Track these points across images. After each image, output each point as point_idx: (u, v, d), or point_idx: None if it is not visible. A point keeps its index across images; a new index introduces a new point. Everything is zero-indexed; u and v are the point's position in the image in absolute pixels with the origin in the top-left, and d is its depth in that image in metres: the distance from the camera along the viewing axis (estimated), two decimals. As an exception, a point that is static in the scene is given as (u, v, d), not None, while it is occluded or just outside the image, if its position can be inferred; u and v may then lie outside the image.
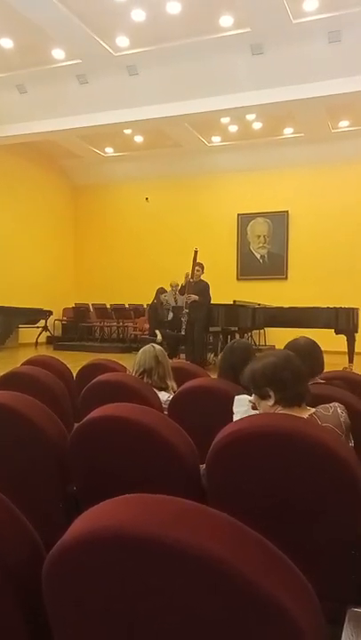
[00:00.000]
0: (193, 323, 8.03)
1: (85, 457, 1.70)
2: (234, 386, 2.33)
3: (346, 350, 8.09)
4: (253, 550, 0.73)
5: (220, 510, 0.77)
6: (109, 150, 12.84)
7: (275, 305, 9.13)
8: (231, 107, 9.09)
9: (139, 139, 11.95)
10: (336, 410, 1.74)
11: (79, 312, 13.14)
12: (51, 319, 12.38)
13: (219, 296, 8.46)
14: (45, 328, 12.11)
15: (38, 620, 0.83)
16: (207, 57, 8.40)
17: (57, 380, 2.90)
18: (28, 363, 3.53)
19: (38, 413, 1.82)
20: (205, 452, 1.55)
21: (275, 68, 8.30)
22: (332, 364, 3.92)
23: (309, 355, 2.41)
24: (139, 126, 10.81)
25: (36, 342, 12.05)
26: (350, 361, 8.05)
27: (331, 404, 1.77)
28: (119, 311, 12.53)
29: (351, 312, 8.16)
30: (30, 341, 12.00)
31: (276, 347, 9.98)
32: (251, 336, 10.80)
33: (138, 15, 7.67)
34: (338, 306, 8.20)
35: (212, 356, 8.97)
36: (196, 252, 8.18)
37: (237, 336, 8.36)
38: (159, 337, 8.69)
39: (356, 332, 8.24)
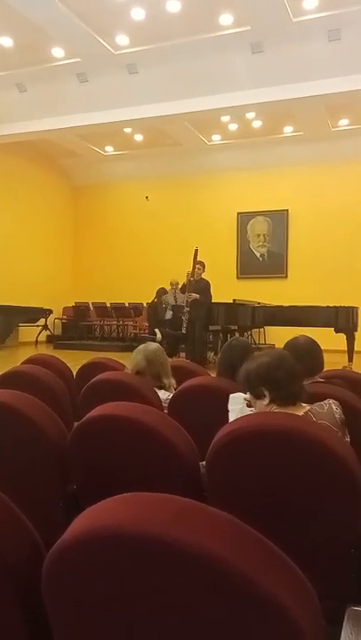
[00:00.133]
0: (194, 321, 8.03)
1: (85, 456, 1.71)
2: (233, 384, 2.33)
3: (346, 349, 8.09)
4: (253, 549, 0.73)
5: (220, 509, 0.78)
6: (109, 149, 12.83)
7: (274, 304, 9.13)
8: (231, 105, 9.09)
9: (138, 137, 11.95)
10: (331, 406, 1.75)
11: (79, 311, 13.14)
12: (51, 318, 12.38)
13: (218, 295, 8.47)
14: (45, 327, 12.11)
15: (38, 620, 0.83)
16: (207, 55, 8.39)
17: (57, 379, 2.90)
18: (28, 361, 3.53)
19: (38, 412, 1.82)
20: (205, 451, 1.56)
21: (275, 66, 8.29)
22: (332, 362, 3.92)
23: (309, 353, 2.41)
24: (138, 125, 10.80)
25: (36, 341, 12.05)
26: (350, 360, 8.05)
27: (325, 401, 1.78)
28: (119, 310, 12.53)
29: (351, 311, 8.17)
30: (30, 340, 12.01)
31: (276, 345, 9.98)
32: (250, 335, 10.80)
33: (137, 14, 7.66)
34: (337, 304, 8.20)
35: (212, 354, 8.96)
36: (196, 251, 8.18)
37: (237, 335, 8.36)
38: (159, 336, 8.69)
39: (356, 330, 8.24)
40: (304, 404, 1.77)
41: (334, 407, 1.76)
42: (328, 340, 5.12)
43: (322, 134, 11.04)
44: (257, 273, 12.68)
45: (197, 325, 8.04)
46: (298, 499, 1.42)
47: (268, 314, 8.68)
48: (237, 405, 2.01)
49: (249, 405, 1.93)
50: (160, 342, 7.18)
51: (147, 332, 9.82)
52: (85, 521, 0.77)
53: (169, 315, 9.23)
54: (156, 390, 2.64)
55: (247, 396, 1.95)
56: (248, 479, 1.46)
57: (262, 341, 11.83)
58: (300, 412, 1.71)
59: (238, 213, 12.76)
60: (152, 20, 7.78)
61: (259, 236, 12.75)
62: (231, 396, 2.08)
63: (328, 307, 8.20)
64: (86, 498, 1.56)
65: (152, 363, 2.71)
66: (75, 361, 4.57)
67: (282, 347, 2.54)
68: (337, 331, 8.11)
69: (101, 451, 1.67)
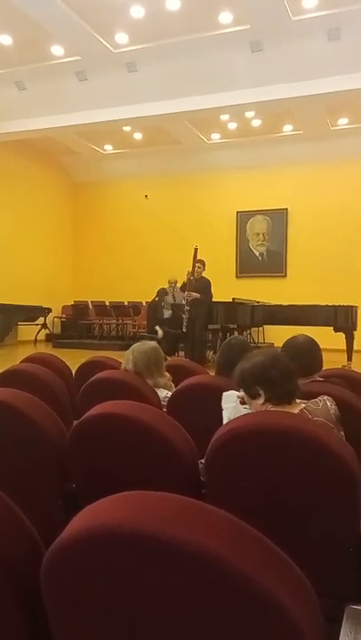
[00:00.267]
0: (194, 320, 8.02)
1: (84, 454, 1.71)
2: (232, 383, 2.33)
3: (345, 348, 8.10)
4: (252, 547, 0.73)
5: (219, 507, 0.78)
6: (108, 147, 12.82)
7: (274, 302, 9.13)
8: (230, 104, 9.08)
9: (138, 136, 11.93)
10: (325, 403, 1.77)
11: (78, 309, 13.14)
12: (50, 316, 12.38)
13: (218, 293, 8.46)
14: (44, 325, 12.11)
15: (37, 619, 0.83)
16: (206, 54, 8.38)
17: (56, 378, 2.90)
18: (27, 360, 3.53)
19: (37, 411, 1.82)
20: (204, 450, 1.56)
21: (274, 65, 8.28)
22: (331, 361, 3.93)
23: (308, 352, 2.41)
24: (138, 123, 10.79)
25: (35, 340, 12.05)
26: (349, 359, 8.05)
27: (319, 398, 1.79)
28: (118, 309, 12.52)
29: (350, 310, 8.17)
30: (29, 339, 12.00)
31: (275, 344, 9.99)
32: (250, 334, 10.80)
33: (137, 12, 7.65)
34: (337, 304, 8.21)
35: (211, 353, 8.96)
36: (196, 250, 8.17)
37: (236, 334, 8.36)
38: (160, 332, 8.67)
39: (355, 329, 8.24)
40: (299, 401, 1.78)
41: (329, 403, 1.77)
42: (327, 339, 5.13)
43: (321, 133, 11.04)
44: (256, 272, 12.68)
45: (197, 324, 8.03)
46: (296, 497, 1.42)
47: (268, 313, 8.68)
48: (231, 403, 2.01)
49: (242, 403, 1.94)
50: (159, 341, 7.17)
51: (145, 330, 9.81)
52: (84, 519, 0.77)
53: (168, 314, 9.23)
54: (155, 389, 2.64)
55: (240, 393, 1.96)
56: (247, 478, 1.47)
57: (261, 340, 11.83)
58: (296, 410, 1.72)
59: (238, 212, 12.76)
60: (151, 19, 7.77)
61: (258, 234, 12.75)
62: (224, 394, 2.08)
63: (327, 306, 8.20)
64: (85, 496, 1.56)
65: (137, 364, 2.69)
66: (74, 360, 4.56)
67: (281, 346, 2.55)
68: (336, 330, 8.11)
69: (100, 449, 1.68)
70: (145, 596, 0.73)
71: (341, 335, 8.13)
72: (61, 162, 13.71)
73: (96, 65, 8.95)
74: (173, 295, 9.32)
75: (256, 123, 11.00)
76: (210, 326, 8.54)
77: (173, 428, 1.65)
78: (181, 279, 8.70)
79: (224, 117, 10.75)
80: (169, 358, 3.28)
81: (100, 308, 12.78)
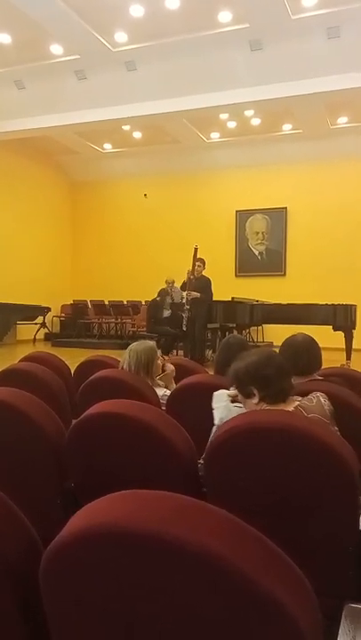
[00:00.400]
0: (194, 319, 8.03)
1: (83, 453, 1.70)
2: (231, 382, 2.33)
3: (344, 347, 8.10)
4: (252, 547, 0.73)
5: (219, 506, 0.77)
6: (108, 146, 12.81)
7: (273, 301, 9.13)
8: (230, 103, 9.07)
9: (137, 135, 11.93)
10: (319, 399, 1.77)
11: (77, 309, 13.13)
12: (49, 316, 12.38)
13: (217, 292, 8.46)
14: (43, 324, 12.11)
15: (36, 618, 0.83)
16: (206, 53, 8.37)
17: (55, 377, 2.90)
18: (26, 359, 3.53)
19: (36, 410, 1.82)
20: (203, 448, 1.56)
21: (273, 63, 8.28)
22: (330, 360, 3.93)
23: (307, 351, 2.41)
24: (137, 122, 10.78)
25: (34, 339, 12.05)
26: (348, 357, 8.06)
27: (312, 395, 1.80)
28: (117, 308, 12.52)
29: (349, 309, 8.17)
30: (28, 338, 12.00)
31: (275, 343, 9.99)
32: (249, 332, 10.81)
33: (136, 10, 7.64)
34: (336, 302, 8.21)
35: (210, 352, 8.97)
36: (196, 250, 8.17)
37: (235, 332, 8.36)
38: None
39: (354, 328, 8.25)
40: (293, 399, 1.78)
41: (322, 399, 1.78)
42: (326, 337, 5.13)
43: (321, 132, 11.03)
44: (255, 271, 12.68)
45: (197, 323, 8.04)
46: (296, 496, 1.42)
47: (267, 312, 8.68)
48: (221, 403, 2.01)
49: (233, 401, 1.94)
50: (158, 341, 7.18)
51: (144, 330, 9.81)
52: (83, 518, 0.77)
53: (167, 313, 9.23)
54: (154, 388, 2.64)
55: (230, 392, 1.96)
56: (246, 476, 1.47)
57: (261, 339, 11.84)
58: (291, 408, 1.72)
59: (237, 211, 12.75)
60: (151, 17, 7.76)
61: (257, 233, 12.75)
62: (215, 394, 2.07)
63: (326, 304, 8.20)
64: (84, 495, 1.56)
65: (134, 360, 2.70)
66: (73, 359, 4.56)
67: (280, 344, 2.55)
68: (335, 328, 8.12)
69: (99, 448, 1.67)
70: (145, 596, 0.73)
71: (340, 334, 8.13)
72: (60, 161, 13.70)
73: (95, 64, 8.94)
74: (172, 295, 9.32)
75: (255, 121, 10.99)
76: (209, 325, 8.54)
77: (172, 427, 1.65)
78: (179, 279, 8.70)
79: (223, 116, 10.74)
80: (166, 357, 3.28)
81: (100, 307, 12.78)
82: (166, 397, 2.56)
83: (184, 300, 8.16)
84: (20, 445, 1.82)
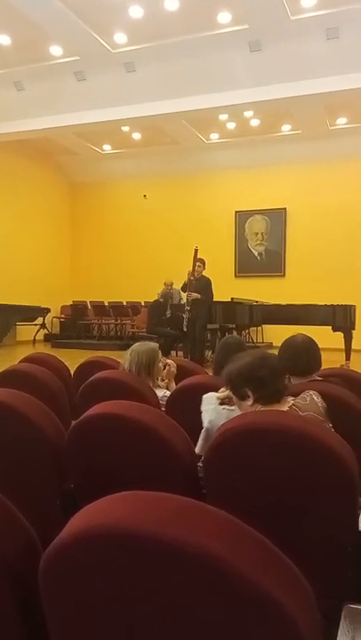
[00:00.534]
0: (194, 320, 8.03)
1: (83, 454, 1.70)
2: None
3: (343, 347, 8.10)
4: (251, 548, 0.73)
5: (218, 507, 0.77)
6: (107, 147, 12.81)
7: (272, 302, 9.13)
8: (229, 104, 9.08)
9: (136, 136, 11.93)
10: (312, 397, 1.78)
11: (77, 310, 13.13)
12: (48, 317, 12.37)
13: (217, 293, 8.46)
14: (43, 325, 12.10)
15: (35, 619, 0.83)
16: (205, 54, 8.38)
17: (54, 378, 2.90)
18: (26, 360, 3.53)
19: (36, 411, 1.82)
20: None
21: (273, 64, 8.28)
22: (330, 361, 3.93)
23: (307, 352, 2.42)
24: (136, 123, 10.78)
25: (34, 340, 12.04)
26: (347, 358, 8.06)
27: (305, 393, 1.80)
28: (117, 309, 12.52)
29: (348, 309, 8.17)
30: (28, 339, 11.99)
31: (274, 344, 10.00)
32: (248, 333, 10.81)
33: (135, 12, 7.65)
34: (335, 303, 8.21)
35: (210, 353, 8.96)
36: (196, 251, 8.17)
37: (235, 333, 8.37)
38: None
39: (354, 329, 8.25)
40: (286, 398, 1.79)
41: (315, 397, 1.79)
42: (326, 338, 5.13)
43: (320, 133, 11.04)
44: (255, 271, 12.68)
45: (198, 324, 8.04)
46: (295, 497, 1.42)
47: (266, 312, 8.69)
48: (210, 405, 2.00)
49: (222, 403, 1.94)
50: (158, 341, 7.16)
51: (144, 330, 9.80)
52: (83, 519, 0.77)
53: (167, 314, 9.23)
54: (154, 389, 2.64)
55: (219, 394, 1.96)
56: (245, 478, 1.47)
57: (260, 340, 11.84)
58: (285, 407, 1.73)
59: (236, 212, 12.76)
60: (150, 19, 7.77)
61: (257, 234, 12.75)
62: (204, 397, 2.07)
63: (326, 305, 8.20)
64: (84, 496, 1.55)
65: (135, 362, 2.70)
66: (72, 360, 4.56)
67: (280, 345, 2.55)
68: (334, 329, 8.12)
69: (99, 449, 1.67)
70: (144, 597, 0.73)
71: (340, 334, 8.13)
72: (60, 162, 13.70)
73: (95, 65, 8.95)
74: (171, 296, 9.33)
75: (255, 122, 11.00)
76: (208, 326, 8.54)
77: (172, 428, 1.65)
78: (179, 280, 8.71)
79: (223, 117, 10.75)
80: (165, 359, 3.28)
81: (99, 308, 12.78)
82: (166, 398, 2.56)
83: (184, 301, 8.17)
84: (20, 446, 1.82)
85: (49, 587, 0.79)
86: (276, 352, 2.48)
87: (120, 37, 8.35)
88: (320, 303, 8.32)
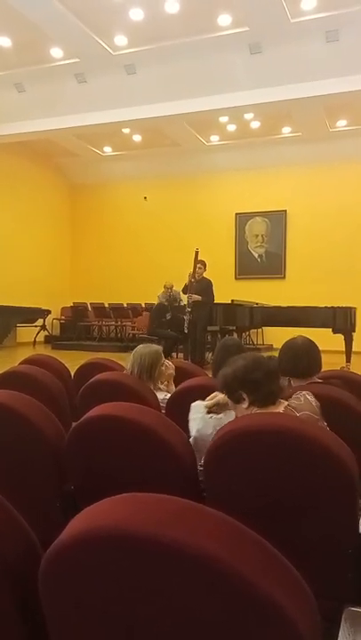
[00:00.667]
0: (195, 322, 8.03)
1: (83, 456, 1.70)
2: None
3: (343, 349, 8.10)
4: (251, 550, 0.73)
5: (218, 509, 0.78)
6: (107, 149, 12.83)
7: (273, 304, 9.13)
8: (229, 106, 9.10)
9: (137, 138, 11.95)
10: (306, 397, 1.80)
11: (77, 311, 13.13)
12: (49, 318, 12.37)
13: (217, 295, 8.47)
14: (43, 327, 12.10)
15: (35, 620, 0.83)
16: (205, 56, 8.39)
17: (55, 380, 2.90)
18: (26, 362, 3.53)
19: (36, 412, 1.82)
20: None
21: (273, 67, 8.30)
22: (330, 363, 3.93)
23: (307, 354, 2.42)
24: (137, 125, 10.80)
25: (34, 341, 12.04)
26: (348, 360, 8.05)
27: (299, 393, 1.83)
28: (117, 310, 12.52)
29: (349, 311, 8.17)
30: (28, 340, 11.99)
31: (275, 346, 9.99)
32: (249, 335, 10.80)
33: (136, 14, 7.66)
34: (335, 305, 8.21)
35: (210, 355, 8.96)
36: (196, 253, 8.17)
37: (235, 335, 8.36)
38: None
39: (354, 331, 8.24)
40: (281, 400, 1.80)
41: (309, 397, 1.81)
42: (326, 340, 5.12)
43: (320, 135, 11.05)
44: (255, 273, 12.68)
45: (198, 326, 8.04)
46: (295, 498, 1.42)
47: (266, 314, 8.68)
48: (198, 414, 2.00)
49: (210, 412, 1.94)
50: (158, 343, 7.16)
51: (145, 332, 9.80)
52: (83, 521, 0.77)
53: (168, 316, 9.23)
54: (154, 391, 2.64)
55: (207, 402, 1.96)
56: (244, 480, 1.47)
57: (260, 342, 11.84)
58: (281, 409, 1.73)
59: (236, 214, 12.77)
60: (150, 21, 7.78)
61: (257, 236, 12.76)
62: (192, 405, 2.06)
63: (326, 307, 8.20)
64: (84, 498, 1.55)
65: (137, 364, 2.70)
66: (73, 361, 4.56)
67: (280, 347, 2.55)
68: (335, 331, 8.11)
69: (99, 451, 1.67)
70: (144, 599, 0.73)
71: (340, 337, 8.13)
72: (60, 163, 13.72)
73: (95, 67, 8.96)
74: (175, 299, 9.33)
75: (255, 124, 11.02)
76: (209, 328, 8.54)
77: (172, 430, 1.65)
78: (179, 282, 8.72)
79: (223, 119, 10.76)
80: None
81: (99, 309, 12.78)
82: (166, 401, 2.56)
83: (184, 303, 8.17)
84: (20, 448, 1.82)
85: (49, 588, 0.79)
86: (276, 354, 2.49)
87: (120, 39, 8.36)
88: (320, 305, 8.32)
